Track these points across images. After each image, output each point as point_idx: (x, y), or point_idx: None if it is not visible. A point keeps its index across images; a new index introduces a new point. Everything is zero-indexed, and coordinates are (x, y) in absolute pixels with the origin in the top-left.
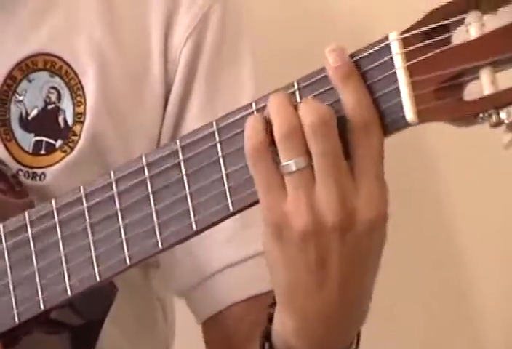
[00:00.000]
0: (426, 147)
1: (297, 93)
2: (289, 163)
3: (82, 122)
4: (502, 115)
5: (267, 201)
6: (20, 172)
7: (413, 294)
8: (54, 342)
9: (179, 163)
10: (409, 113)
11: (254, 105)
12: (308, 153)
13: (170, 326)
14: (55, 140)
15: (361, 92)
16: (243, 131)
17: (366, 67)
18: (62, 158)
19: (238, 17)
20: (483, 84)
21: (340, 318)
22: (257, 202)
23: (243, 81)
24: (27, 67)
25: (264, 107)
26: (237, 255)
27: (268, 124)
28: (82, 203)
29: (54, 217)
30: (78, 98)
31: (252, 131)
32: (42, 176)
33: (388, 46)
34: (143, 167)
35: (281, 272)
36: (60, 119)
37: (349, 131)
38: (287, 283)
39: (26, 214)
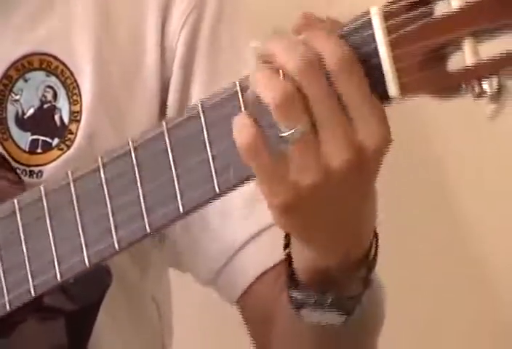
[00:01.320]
0: (431, 137)
1: (281, 70)
2: (292, 131)
3: (78, 121)
4: (485, 85)
5: (269, 189)
6: (17, 171)
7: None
8: (50, 329)
9: (165, 146)
10: (392, 87)
11: (238, 84)
12: (305, 111)
13: (166, 325)
14: (52, 139)
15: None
16: (228, 112)
17: (349, 42)
18: (59, 156)
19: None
20: (465, 55)
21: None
22: (244, 182)
23: (244, 60)
24: (23, 66)
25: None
26: (257, 226)
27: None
28: (70, 189)
29: (43, 204)
30: (74, 97)
31: (240, 128)
32: (39, 174)
33: (369, 21)
34: (130, 151)
35: (300, 235)
36: (56, 118)
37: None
38: (308, 237)
39: (15, 201)
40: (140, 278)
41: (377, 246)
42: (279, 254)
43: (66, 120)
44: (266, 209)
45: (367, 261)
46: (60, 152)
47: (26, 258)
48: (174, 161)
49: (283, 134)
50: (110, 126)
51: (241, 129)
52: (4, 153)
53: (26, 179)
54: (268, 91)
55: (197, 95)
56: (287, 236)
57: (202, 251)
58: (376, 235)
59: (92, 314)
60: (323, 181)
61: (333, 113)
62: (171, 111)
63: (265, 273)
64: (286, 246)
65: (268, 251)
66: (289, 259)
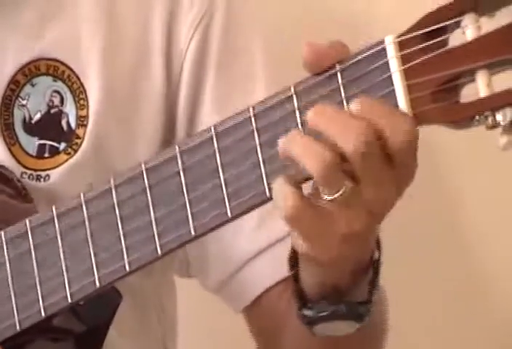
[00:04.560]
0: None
1: (294, 97)
2: (338, 195)
3: (85, 125)
4: (498, 117)
5: (318, 246)
6: (24, 175)
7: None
8: None
9: (178, 172)
10: None
11: (251, 109)
12: (348, 175)
13: (168, 328)
14: (59, 143)
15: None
16: (241, 137)
17: (363, 70)
18: (66, 160)
19: (244, 6)
20: (479, 87)
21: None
22: (255, 207)
23: (255, 68)
24: (30, 71)
25: (261, 112)
26: (267, 240)
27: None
28: (82, 211)
29: (54, 226)
30: (81, 102)
31: (285, 197)
32: (46, 178)
33: (384, 50)
34: (142, 175)
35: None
36: (63, 122)
37: None
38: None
39: (27, 221)
40: (143, 279)
41: (379, 248)
42: (286, 269)
43: (73, 124)
44: (277, 223)
45: (374, 263)
46: (67, 156)
47: (37, 279)
48: (186, 184)
49: (329, 198)
50: (117, 131)
51: (286, 197)
52: (11, 157)
53: (33, 183)
54: (309, 159)
55: (207, 106)
56: (292, 257)
57: (211, 260)
58: (379, 243)
59: (101, 334)
60: (370, 222)
61: (376, 173)
62: (180, 118)
63: (272, 287)
64: (292, 266)
65: (275, 266)
66: (296, 279)
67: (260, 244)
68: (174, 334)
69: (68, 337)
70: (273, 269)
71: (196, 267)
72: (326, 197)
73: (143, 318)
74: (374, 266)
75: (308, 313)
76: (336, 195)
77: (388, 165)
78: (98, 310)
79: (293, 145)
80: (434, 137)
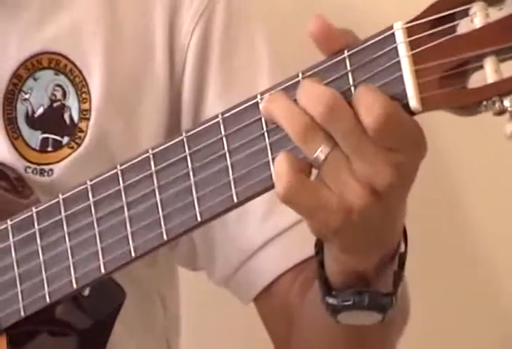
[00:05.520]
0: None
1: None
2: (317, 155)
3: (88, 119)
4: (506, 103)
5: (318, 221)
6: (28, 169)
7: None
8: (62, 345)
9: (185, 157)
10: (413, 101)
11: (259, 96)
12: (326, 136)
13: (171, 322)
14: (62, 137)
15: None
16: (248, 123)
17: (372, 55)
18: (69, 154)
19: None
20: (487, 73)
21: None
22: (261, 192)
23: (258, 60)
24: (32, 65)
25: None
26: (275, 229)
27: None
28: (88, 197)
29: (60, 212)
30: (84, 95)
31: (279, 176)
32: (50, 172)
33: (393, 35)
34: (149, 160)
35: (346, 248)
36: (66, 116)
37: None
38: (352, 248)
39: (33, 209)
40: (146, 271)
41: (406, 238)
42: (297, 256)
43: (76, 118)
44: (285, 210)
45: (399, 254)
46: (70, 150)
47: (42, 264)
48: (192, 169)
49: (311, 158)
50: (120, 124)
51: (279, 177)
52: (14, 151)
53: (37, 177)
54: (286, 120)
55: (211, 98)
56: (317, 244)
57: (219, 250)
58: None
59: (106, 332)
60: (370, 199)
61: (359, 145)
62: (185, 111)
63: (283, 274)
64: (317, 253)
65: (285, 253)
66: (321, 266)
67: (268, 233)
68: (177, 331)
69: (70, 332)
70: (282, 257)
71: (204, 259)
72: (309, 159)
73: (146, 313)
74: (399, 259)
75: (332, 301)
76: (316, 154)
77: (367, 135)
78: (101, 305)
79: (274, 106)
80: (440, 135)
